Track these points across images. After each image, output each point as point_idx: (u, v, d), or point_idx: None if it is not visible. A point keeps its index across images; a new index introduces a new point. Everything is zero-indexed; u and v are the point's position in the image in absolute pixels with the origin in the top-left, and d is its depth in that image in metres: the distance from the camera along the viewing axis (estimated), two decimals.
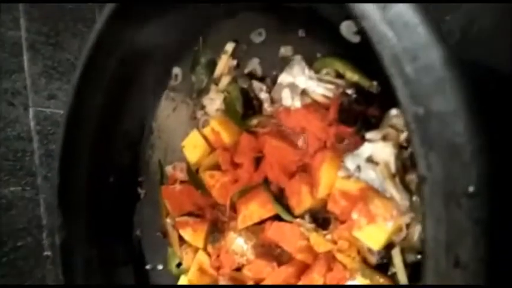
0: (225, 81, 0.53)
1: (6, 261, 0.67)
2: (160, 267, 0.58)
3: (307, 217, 0.46)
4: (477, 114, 0.24)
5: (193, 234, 0.55)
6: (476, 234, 0.23)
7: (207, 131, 0.54)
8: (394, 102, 0.38)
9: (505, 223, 0.24)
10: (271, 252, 0.49)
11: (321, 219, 0.45)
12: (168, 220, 0.57)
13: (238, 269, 0.50)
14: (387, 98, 0.39)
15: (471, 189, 0.23)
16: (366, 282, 0.39)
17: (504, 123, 0.31)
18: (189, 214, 0.56)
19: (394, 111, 0.38)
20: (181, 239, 0.56)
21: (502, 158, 0.25)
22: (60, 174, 0.55)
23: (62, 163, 0.55)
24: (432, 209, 0.24)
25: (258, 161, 0.50)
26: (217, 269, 0.51)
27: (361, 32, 0.40)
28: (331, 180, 0.43)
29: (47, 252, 0.69)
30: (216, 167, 0.54)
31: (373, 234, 0.37)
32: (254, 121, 0.50)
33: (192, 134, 0.55)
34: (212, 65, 0.54)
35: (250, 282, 0.48)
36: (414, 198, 0.36)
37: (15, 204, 0.70)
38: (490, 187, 0.23)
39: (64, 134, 0.55)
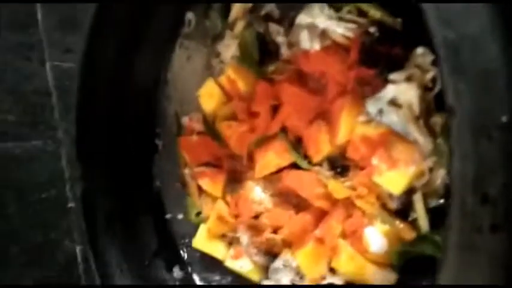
0: (240, 25, 0.50)
1: (32, 212, 0.69)
2: (180, 216, 0.59)
3: (325, 165, 0.45)
4: None
5: (212, 184, 0.55)
6: (508, 169, 0.22)
7: (222, 79, 0.52)
8: (420, 40, 0.36)
9: None
10: (289, 201, 0.48)
11: (340, 167, 0.45)
12: (187, 171, 0.57)
13: (257, 216, 0.50)
14: (412, 36, 0.36)
15: (504, 119, 0.21)
16: (385, 227, 0.38)
17: None
18: (207, 164, 0.56)
19: (420, 50, 0.36)
20: (200, 189, 0.56)
21: None
22: (78, 126, 0.55)
23: (79, 115, 0.55)
24: (460, 142, 0.22)
25: (275, 109, 0.49)
26: (236, 217, 0.51)
27: None
28: (351, 126, 0.41)
29: (71, 204, 0.70)
30: (233, 116, 0.53)
31: (394, 179, 0.36)
32: (271, 67, 0.49)
33: (207, 83, 0.54)
34: (227, 8, 0.52)
35: (268, 230, 0.48)
36: (438, 140, 0.34)
37: (38, 157, 0.71)
38: None
39: (79, 86, 0.55)
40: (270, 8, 0.49)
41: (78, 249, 0.70)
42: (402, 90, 0.36)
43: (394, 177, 0.36)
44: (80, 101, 0.55)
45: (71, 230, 0.70)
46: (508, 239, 0.22)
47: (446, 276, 0.23)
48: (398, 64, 0.38)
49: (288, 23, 0.47)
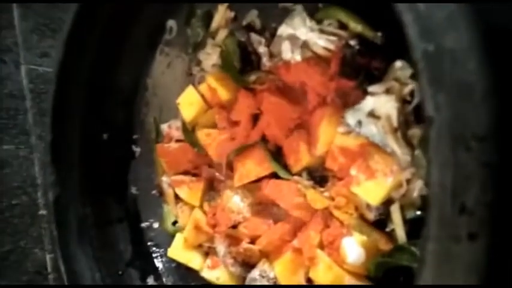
0: (222, 34, 0.50)
1: (2, 218, 0.67)
2: (156, 225, 0.58)
3: (304, 175, 0.45)
4: (491, 52, 0.22)
5: (189, 192, 0.54)
6: (485, 179, 0.22)
7: (203, 87, 0.52)
8: (399, 54, 0.37)
9: None
10: (268, 210, 0.48)
11: (319, 177, 0.45)
12: (164, 178, 0.56)
13: (234, 226, 0.49)
14: (392, 50, 0.37)
15: (481, 131, 0.22)
16: (363, 238, 0.39)
17: None
18: (185, 173, 0.55)
19: (398, 63, 0.36)
20: (177, 197, 0.55)
21: None
22: (53, 130, 0.54)
23: (54, 119, 0.54)
24: (438, 152, 0.23)
25: (255, 118, 0.49)
26: (213, 226, 0.51)
27: None
28: (330, 136, 0.41)
29: (42, 211, 0.68)
30: (213, 125, 0.53)
31: (372, 190, 0.37)
32: (252, 77, 0.49)
33: (187, 91, 0.53)
34: (208, 17, 0.52)
35: (246, 240, 0.48)
36: (416, 152, 0.34)
37: (10, 162, 0.69)
38: (502, 129, 0.22)
39: (55, 90, 0.54)
40: (252, 18, 0.49)
41: (48, 257, 0.68)
42: (381, 102, 0.36)
43: (372, 188, 0.37)
44: (56, 105, 0.54)
45: (42, 238, 0.68)
46: (485, 247, 0.23)
47: (424, 284, 0.24)
48: (377, 77, 0.38)
49: (270, 34, 0.47)
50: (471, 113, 0.22)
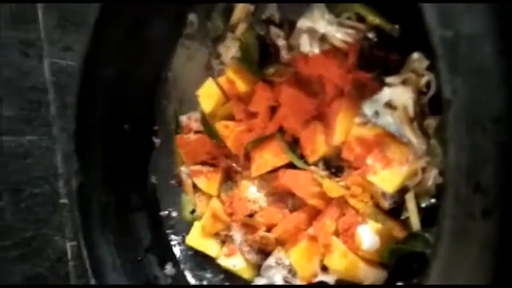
0: (241, 28, 0.52)
1: (24, 207, 0.69)
2: (174, 214, 0.60)
3: (320, 165, 0.46)
4: (509, 37, 0.23)
5: (207, 182, 0.55)
6: (499, 159, 0.23)
7: (222, 80, 0.54)
8: (416, 47, 0.37)
9: None
10: (284, 200, 0.49)
11: (335, 167, 0.46)
12: (183, 169, 0.58)
13: (251, 215, 0.51)
14: (408, 43, 0.38)
15: (496, 113, 0.23)
16: (378, 226, 0.40)
17: None
18: (203, 163, 0.57)
19: (415, 55, 0.37)
20: (195, 187, 0.57)
21: None
22: (76, 120, 0.56)
23: (78, 110, 0.56)
24: (455, 134, 0.24)
25: (273, 110, 0.50)
26: (230, 215, 0.52)
27: None
28: (347, 127, 0.42)
29: (64, 200, 0.70)
30: (231, 116, 0.54)
31: (388, 178, 0.37)
32: (271, 70, 0.50)
33: (207, 83, 0.55)
34: (229, 11, 0.53)
35: (263, 228, 0.49)
36: (431, 142, 0.35)
37: (32, 152, 0.71)
38: None
39: (79, 83, 0.55)
40: (271, 11, 0.50)
41: (68, 245, 0.70)
42: (398, 93, 0.37)
43: (388, 176, 0.38)
44: (80, 97, 0.56)
45: (63, 226, 0.70)
46: (499, 224, 0.24)
47: (440, 261, 0.25)
48: (394, 69, 0.39)
49: (289, 27, 0.48)
50: (487, 96, 0.23)
